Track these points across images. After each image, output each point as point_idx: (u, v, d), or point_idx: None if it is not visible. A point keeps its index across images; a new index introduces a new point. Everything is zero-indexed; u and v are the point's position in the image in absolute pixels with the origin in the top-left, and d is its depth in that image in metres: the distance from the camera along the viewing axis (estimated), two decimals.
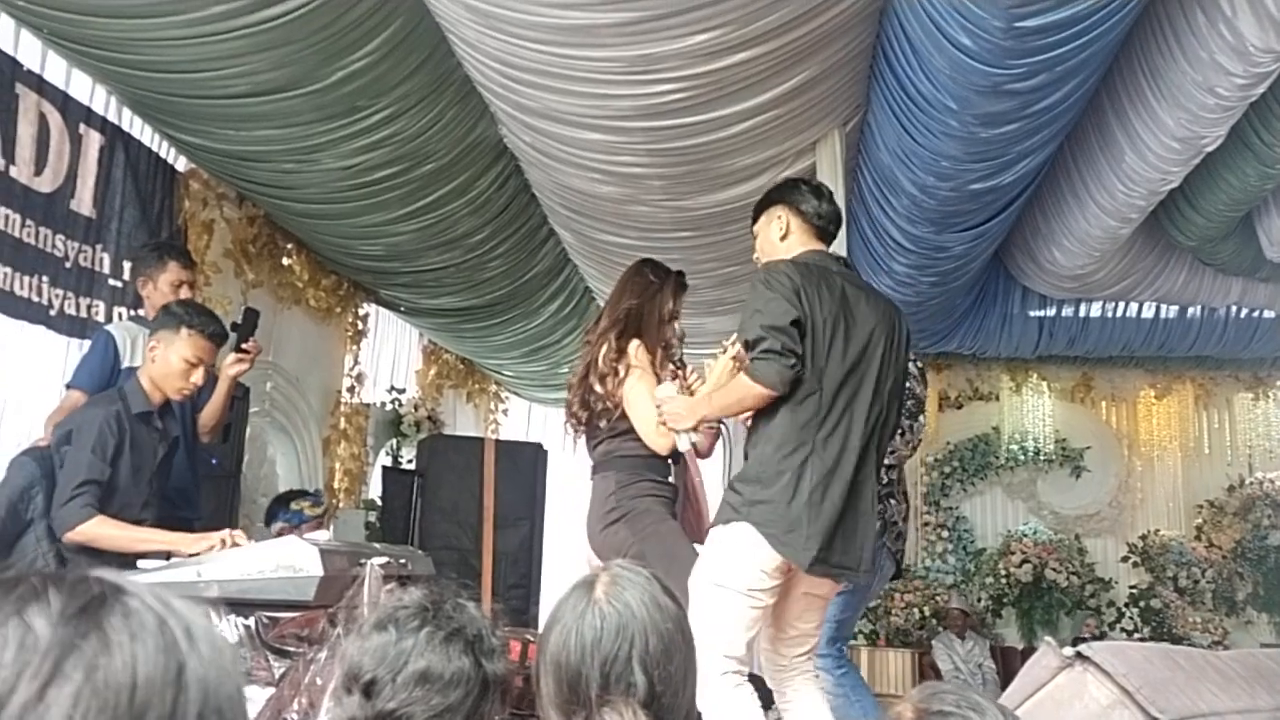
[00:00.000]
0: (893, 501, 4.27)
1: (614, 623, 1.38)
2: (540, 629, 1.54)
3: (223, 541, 3.11)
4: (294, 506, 5.43)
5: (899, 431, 4.00)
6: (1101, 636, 8.44)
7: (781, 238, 3.21)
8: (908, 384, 3.93)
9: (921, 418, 4.37)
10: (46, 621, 0.53)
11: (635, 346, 3.37)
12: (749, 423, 3.08)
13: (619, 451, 3.37)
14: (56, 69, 4.40)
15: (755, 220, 3.35)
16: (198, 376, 3.47)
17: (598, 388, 3.37)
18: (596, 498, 3.36)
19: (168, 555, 3.17)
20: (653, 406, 3.25)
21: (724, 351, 3.24)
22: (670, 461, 3.38)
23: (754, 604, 2.83)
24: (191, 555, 3.08)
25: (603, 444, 3.42)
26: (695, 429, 3.21)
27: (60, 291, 4.39)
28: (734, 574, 2.82)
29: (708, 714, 2.76)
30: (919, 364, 4.39)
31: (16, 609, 0.54)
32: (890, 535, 4.23)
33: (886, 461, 3.94)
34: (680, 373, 3.48)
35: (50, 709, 0.51)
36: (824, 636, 3.92)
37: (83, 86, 4.55)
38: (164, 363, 3.41)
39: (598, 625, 1.38)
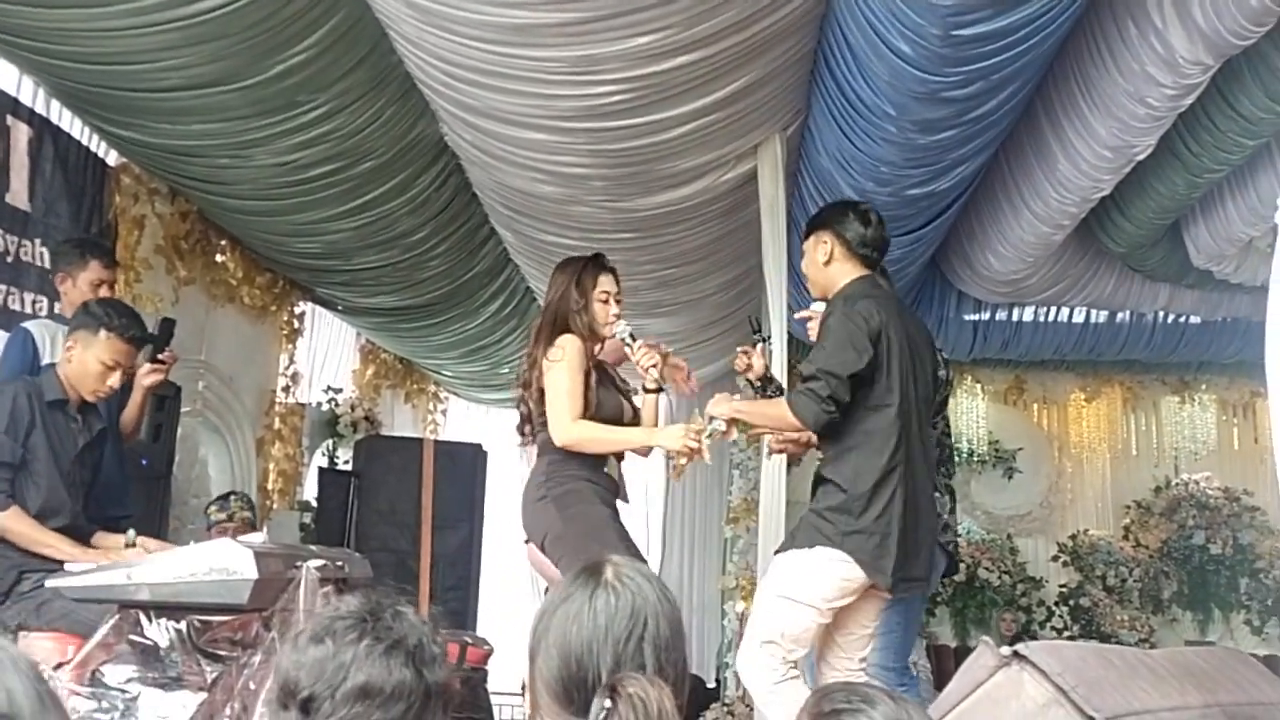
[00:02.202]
0: (937, 496, 4.34)
1: (628, 603, 1.37)
2: (478, 629, 1.51)
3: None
4: (207, 514, 5.31)
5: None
6: (1021, 635, 8.60)
7: (826, 263, 3.34)
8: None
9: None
10: None
11: (567, 340, 3.37)
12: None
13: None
14: None
15: (805, 238, 3.48)
16: (115, 379, 3.40)
17: (530, 383, 3.44)
18: (532, 478, 3.42)
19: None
20: (565, 399, 3.27)
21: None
22: (614, 455, 3.40)
23: (822, 620, 3.09)
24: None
25: (541, 432, 3.46)
26: (727, 424, 3.26)
27: (1, 287, 4.28)
28: (816, 591, 3.05)
29: (768, 705, 3.09)
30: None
31: None
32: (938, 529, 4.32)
33: None
34: (630, 346, 3.47)
35: None
36: (891, 648, 3.97)
37: (9, 78, 4.43)
38: (80, 364, 3.34)
39: (611, 604, 1.36)
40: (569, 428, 3.26)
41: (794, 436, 3.55)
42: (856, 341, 3.03)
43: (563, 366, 3.32)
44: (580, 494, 3.27)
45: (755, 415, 3.31)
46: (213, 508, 5.29)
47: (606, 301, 3.52)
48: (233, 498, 5.36)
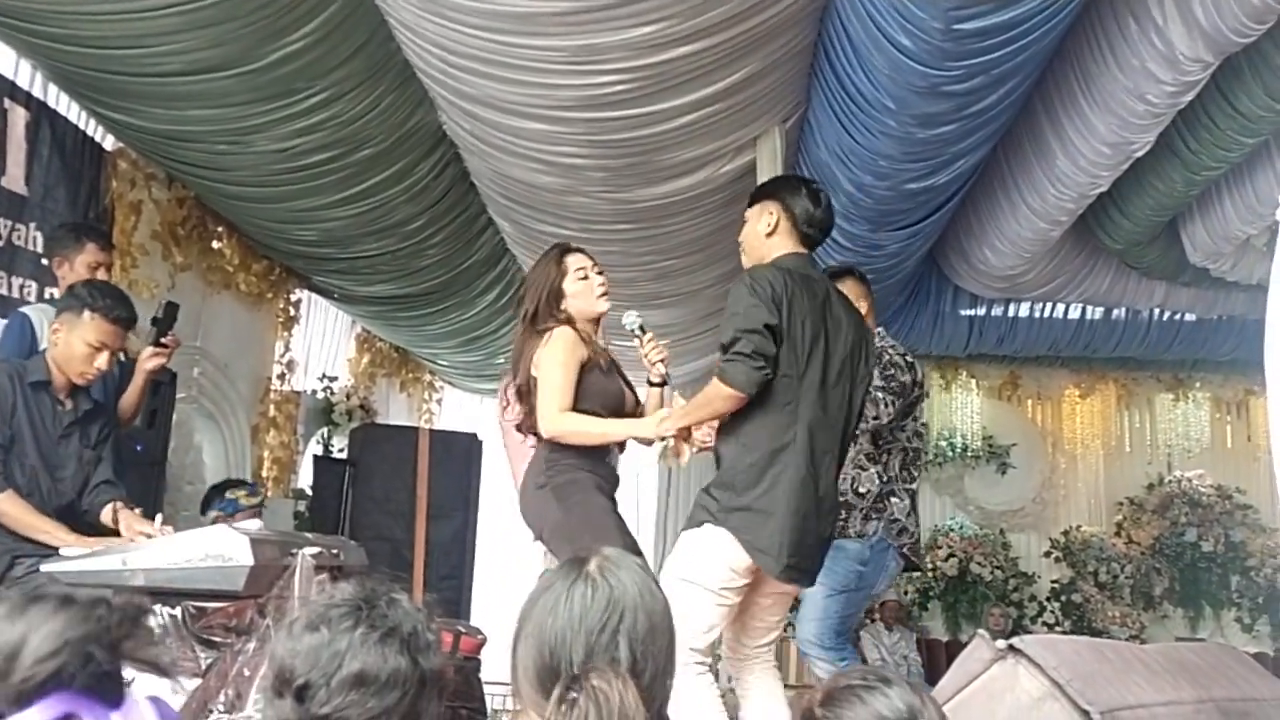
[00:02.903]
0: (894, 500, 4.32)
1: (604, 595, 1.37)
2: (472, 619, 1.51)
3: (149, 536, 3.06)
4: (229, 495, 5.32)
5: (895, 423, 4.36)
6: (1014, 631, 8.63)
7: (768, 234, 3.21)
8: (890, 372, 4.21)
9: (921, 406, 4.53)
10: None
11: (557, 332, 3.27)
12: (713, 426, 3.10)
13: None
14: None
15: (749, 205, 3.34)
16: (102, 361, 3.36)
17: (523, 383, 3.35)
18: (532, 468, 3.34)
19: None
20: (551, 392, 3.19)
21: None
22: (615, 447, 3.35)
23: (721, 602, 2.90)
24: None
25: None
26: (678, 440, 3.13)
27: None
28: (706, 573, 2.88)
29: (672, 699, 2.87)
30: (906, 354, 4.45)
31: None
32: (892, 533, 4.28)
33: (872, 455, 4.11)
34: (639, 337, 3.41)
35: None
36: (829, 631, 3.93)
37: (6, 61, 4.41)
38: (66, 345, 3.33)
39: (588, 596, 1.37)
40: (554, 419, 3.18)
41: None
42: (762, 299, 2.91)
43: (549, 356, 3.24)
44: (580, 484, 3.21)
45: (694, 410, 3.07)
46: (242, 492, 5.32)
47: (586, 277, 3.38)
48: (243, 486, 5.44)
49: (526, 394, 3.32)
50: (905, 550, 4.38)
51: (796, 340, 2.94)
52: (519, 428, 3.45)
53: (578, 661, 1.34)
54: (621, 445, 3.39)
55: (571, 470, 3.21)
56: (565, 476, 3.21)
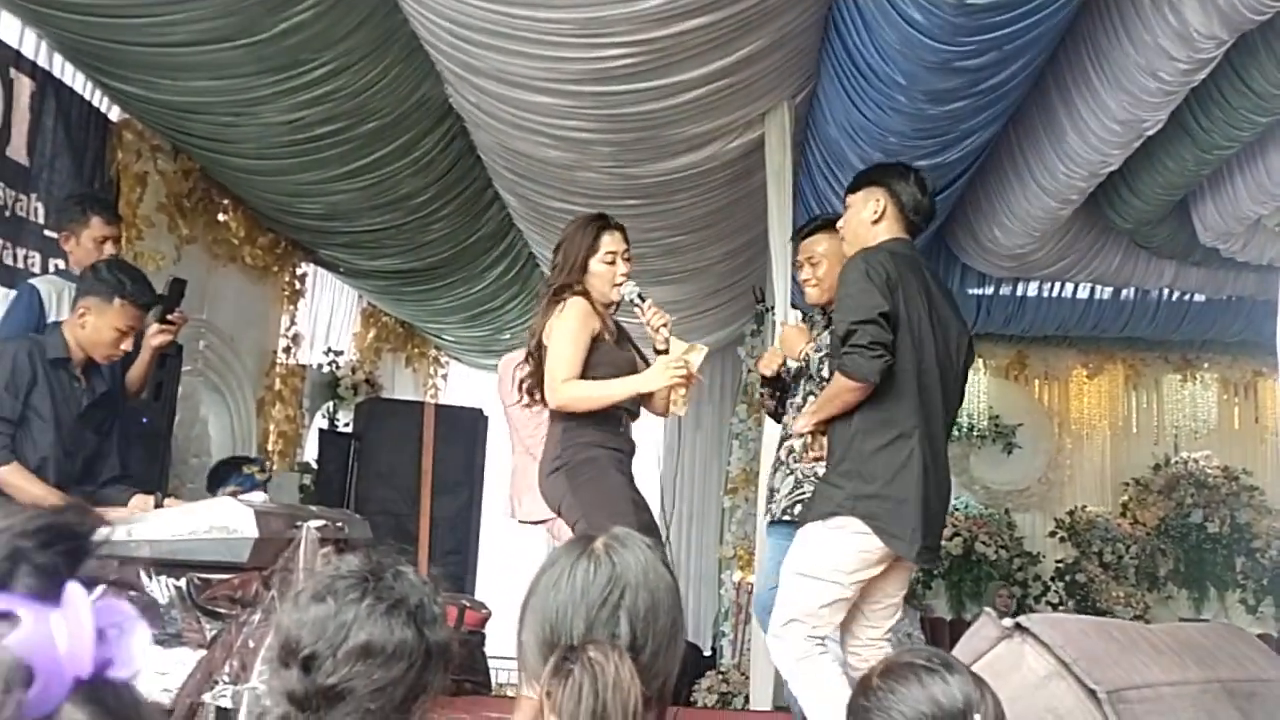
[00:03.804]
0: None
1: (607, 572, 1.37)
2: (476, 593, 1.51)
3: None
4: (246, 471, 5.35)
5: None
6: (1020, 611, 8.64)
7: (874, 221, 3.18)
8: None
9: None
10: None
11: (571, 301, 3.23)
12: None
13: None
14: None
15: (852, 192, 3.31)
16: (127, 344, 3.38)
17: (533, 352, 3.33)
18: (548, 444, 3.31)
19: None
20: (557, 361, 3.15)
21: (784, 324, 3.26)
22: (625, 415, 3.33)
23: (848, 595, 2.94)
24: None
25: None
26: (814, 434, 3.18)
27: None
28: (834, 567, 2.91)
29: (802, 690, 2.94)
30: None
31: None
32: None
33: None
34: (640, 306, 3.37)
35: None
36: None
37: (11, 30, 4.38)
38: (94, 330, 3.32)
39: (590, 572, 1.37)
40: (558, 389, 3.15)
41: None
42: (876, 285, 2.91)
43: (561, 325, 3.19)
44: (596, 462, 3.17)
45: (826, 405, 3.08)
46: (255, 468, 5.34)
47: (613, 263, 3.32)
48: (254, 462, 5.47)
49: (536, 360, 3.30)
50: None
51: (913, 325, 2.98)
52: (523, 386, 3.40)
53: (578, 636, 1.34)
54: (634, 413, 3.36)
55: (586, 448, 3.17)
56: (581, 455, 3.17)
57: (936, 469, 3.01)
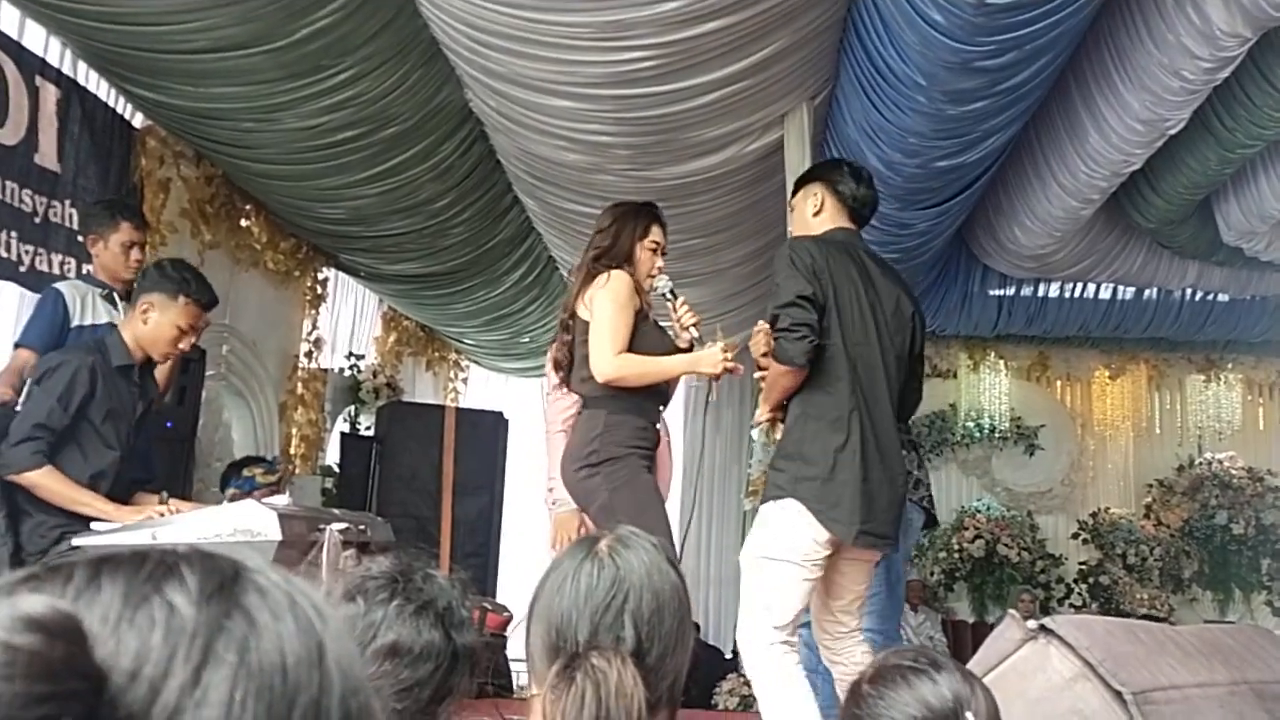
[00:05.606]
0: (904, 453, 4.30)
1: (610, 574, 1.36)
2: (498, 596, 1.51)
3: (161, 515, 3.07)
4: (246, 473, 5.35)
5: None
6: (1043, 613, 8.58)
7: (814, 214, 3.23)
8: None
9: None
10: (188, 600, 0.49)
11: (616, 274, 3.18)
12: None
13: (608, 390, 3.17)
14: (10, 19, 4.27)
15: (794, 195, 3.37)
16: (185, 343, 3.41)
17: (567, 324, 3.26)
18: (578, 437, 3.22)
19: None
20: (608, 331, 3.10)
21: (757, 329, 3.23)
22: (659, 404, 3.30)
23: (806, 575, 2.90)
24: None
25: (582, 381, 3.23)
26: (772, 422, 3.19)
27: (29, 247, 4.30)
28: (787, 546, 2.89)
29: (756, 680, 2.92)
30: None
31: (154, 588, 0.49)
32: (909, 486, 4.27)
33: None
34: (672, 301, 3.37)
35: (208, 692, 0.47)
36: (878, 614, 3.89)
37: (36, 38, 4.43)
38: (156, 327, 3.33)
39: (594, 575, 1.36)
40: (610, 360, 3.06)
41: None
42: (799, 269, 2.91)
43: (607, 297, 3.12)
44: (628, 464, 3.12)
45: (768, 392, 3.09)
46: (259, 469, 5.34)
47: (656, 251, 3.34)
48: (260, 463, 5.44)
49: (569, 332, 3.25)
50: (924, 503, 4.34)
51: (844, 307, 2.96)
52: (557, 369, 3.38)
53: (582, 640, 1.34)
54: (668, 401, 3.36)
55: (617, 448, 3.13)
56: (611, 453, 3.10)
57: (881, 450, 2.97)
